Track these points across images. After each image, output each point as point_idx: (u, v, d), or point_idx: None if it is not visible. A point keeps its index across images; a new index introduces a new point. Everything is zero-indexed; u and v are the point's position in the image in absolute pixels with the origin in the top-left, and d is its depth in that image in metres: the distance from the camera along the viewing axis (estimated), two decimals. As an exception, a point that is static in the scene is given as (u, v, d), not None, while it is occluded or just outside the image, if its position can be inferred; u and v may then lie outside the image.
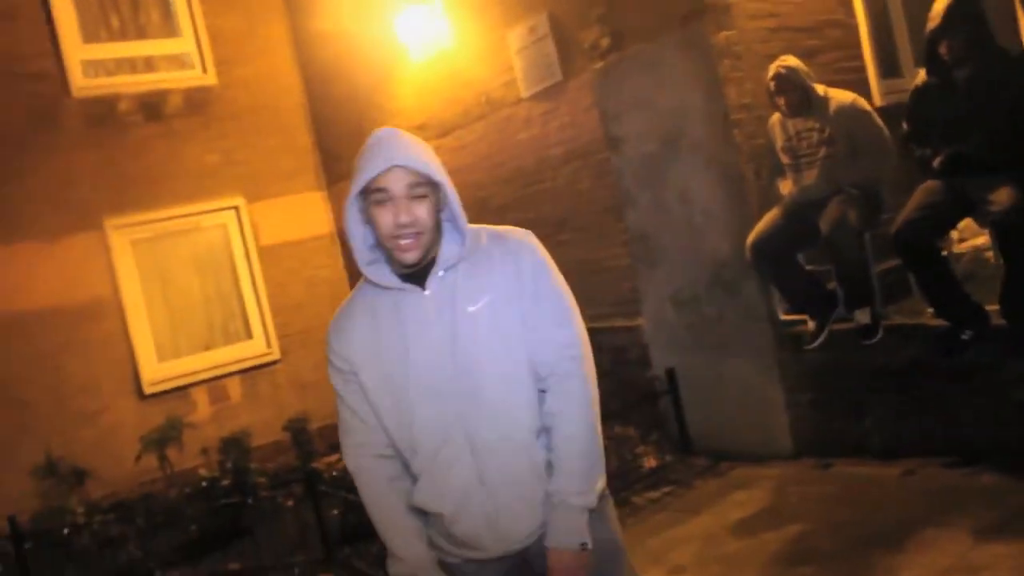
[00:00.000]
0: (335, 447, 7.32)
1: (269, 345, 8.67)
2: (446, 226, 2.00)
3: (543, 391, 2.03)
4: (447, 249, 1.98)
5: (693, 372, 5.36)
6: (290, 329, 8.75)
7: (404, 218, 1.87)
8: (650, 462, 5.36)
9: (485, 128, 6.88)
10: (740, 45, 5.17)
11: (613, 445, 5.30)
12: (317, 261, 9.08)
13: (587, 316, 6.63)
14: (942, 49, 3.95)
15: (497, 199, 6.92)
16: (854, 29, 5.96)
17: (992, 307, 4.10)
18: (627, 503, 4.93)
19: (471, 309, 1.95)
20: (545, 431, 2.03)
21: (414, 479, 2.03)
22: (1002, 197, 3.76)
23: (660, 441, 5.56)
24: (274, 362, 8.67)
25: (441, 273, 1.97)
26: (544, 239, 6.97)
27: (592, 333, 6.63)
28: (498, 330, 1.96)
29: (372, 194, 1.88)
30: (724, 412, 5.27)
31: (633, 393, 5.62)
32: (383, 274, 1.97)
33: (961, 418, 4.31)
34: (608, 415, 5.33)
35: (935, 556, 3.45)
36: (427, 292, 1.97)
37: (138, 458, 6.96)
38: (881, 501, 4.14)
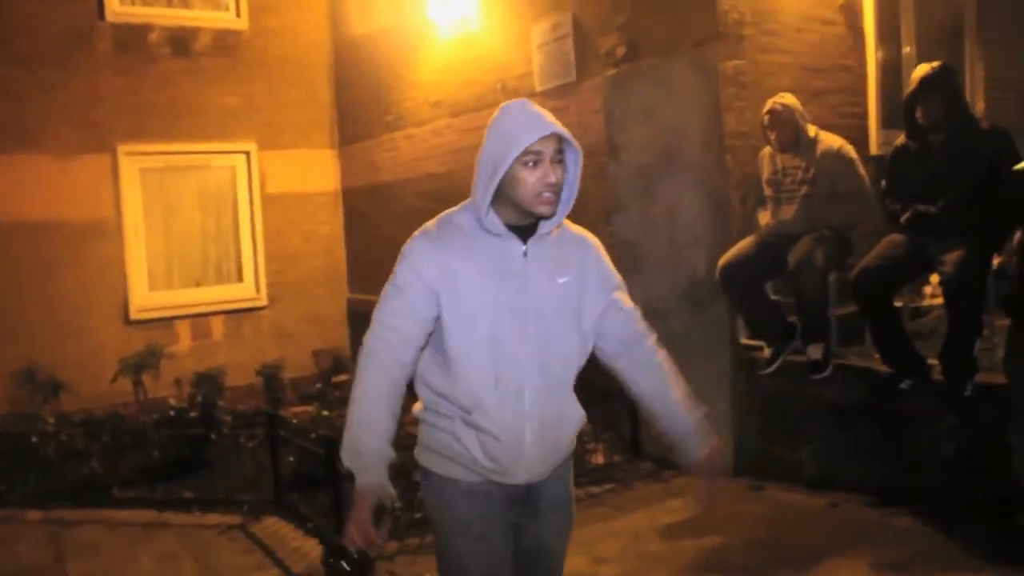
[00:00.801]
0: (304, 398, 7.55)
1: (258, 290, 8.89)
2: None
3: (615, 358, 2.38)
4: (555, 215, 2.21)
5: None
6: (281, 278, 8.98)
7: (552, 178, 2.09)
8: (598, 459, 5.56)
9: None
10: (747, 75, 5.35)
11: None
12: (319, 216, 9.28)
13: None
14: (918, 114, 4.15)
15: (498, 185, 7.11)
16: (862, 77, 6.14)
17: (935, 362, 4.31)
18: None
19: (561, 280, 2.21)
20: (638, 386, 2.40)
21: (476, 403, 2.15)
22: (955, 259, 3.97)
23: (612, 441, 5.75)
24: (261, 307, 8.89)
25: (541, 236, 2.19)
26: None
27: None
28: (575, 301, 2.24)
29: (524, 156, 2.08)
30: (675, 423, 5.46)
31: (593, 391, 5.80)
32: (496, 222, 2.16)
33: (890, 461, 4.52)
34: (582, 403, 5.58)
35: (833, 583, 3.68)
36: (525, 248, 2.18)
37: (114, 379, 7.18)
38: (800, 527, 4.36)
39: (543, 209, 2.11)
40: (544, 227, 2.19)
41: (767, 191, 4.94)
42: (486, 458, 2.18)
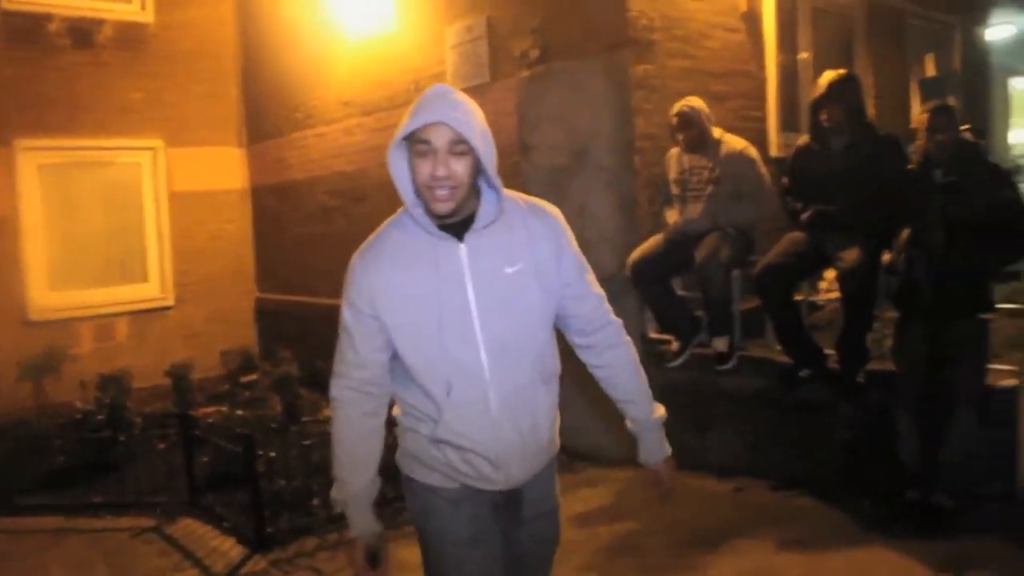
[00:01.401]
0: (214, 398, 7.42)
1: (164, 290, 8.73)
2: (484, 187, 2.09)
3: (582, 345, 2.37)
4: (485, 209, 2.07)
5: (563, 375, 5.68)
6: (188, 278, 8.83)
7: (441, 171, 1.96)
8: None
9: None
10: (656, 79, 5.56)
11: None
12: (226, 215, 9.16)
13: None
14: (823, 117, 4.39)
15: (410, 184, 7.15)
16: (763, 82, 6.44)
17: (831, 352, 4.59)
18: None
19: (509, 270, 2.09)
20: (602, 371, 2.41)
21: (438, 414, 2.11)
22: (850, 256, 4.23)
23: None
24: (166, 308, 8.74)
25: (479, 230, 2.07)
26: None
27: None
28: (531, 291, 2.12)
29: (416, 144, 1.98)
30: (587, 416, 5.60)
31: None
32: (426, 220, 2.06)
33: (791, 447, 4.78)
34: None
35: (741, 559, 3.89)
36: (463, 245, 2.07)
37: (14, 383, 6.96)
38: (709, 511, 4.57)
39: (437, 206, 2.00)
40: (481, 219, 2.07)
41: (674, 190, 5.15)
42: (463, 463, 2.14)
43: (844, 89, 4.34)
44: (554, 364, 2.26)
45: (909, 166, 4.19)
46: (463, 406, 2.09)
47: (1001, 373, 4.37)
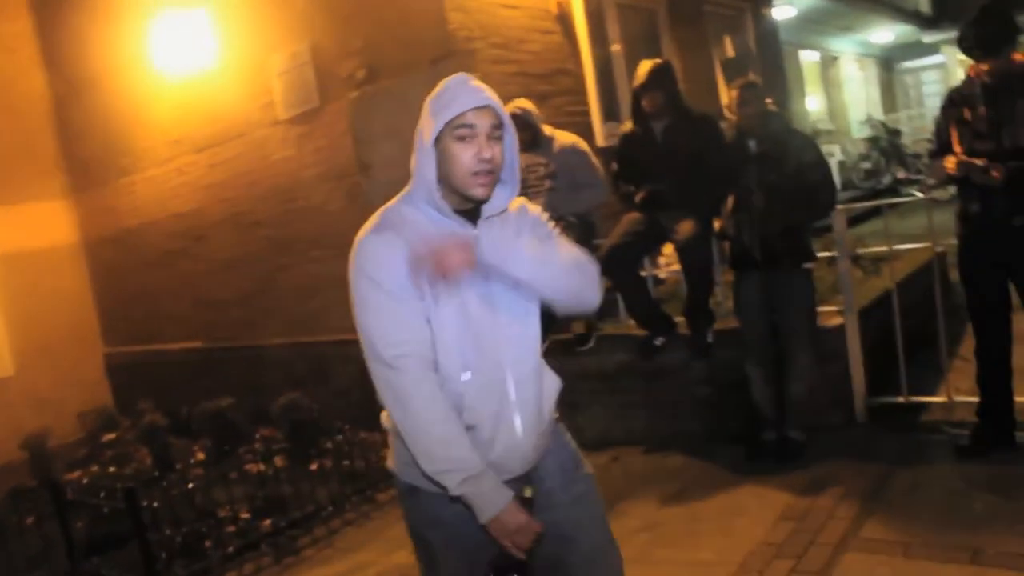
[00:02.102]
0: (76, 463, 7.14)
1: (1, 359, 8.28)
2: None
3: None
4: (496, 198, 2.08)
5: (436, 378, 5.86)
6: (27, 343, 8.43)
7: (487, 154, 1.96)
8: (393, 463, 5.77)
9: (243, 146, 7.08)
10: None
11: (359, 449, 5.70)
12: (59, 272, 8.81)
13: (337, 328, 6.99)
14: (645, 103, 4.74)
15: (252, 215, 7.13)
16: (582, 78, 6.80)
17: (680, 319, 4.96)
18: (372, 500, 5.32)
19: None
20: None
21: (460, 402, 2.04)
22: (684, 228, 4.60)
23: (406, 443, 5.99)
24: (6, 377, 8.29)
25: (488, 218, 2.08)
26: (298, 255, 7.35)
27: (340, 344, 7.02)
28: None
29: (456, 129, 1.97)
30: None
31: (378, 400, 6.02)
32: (445, 205, 2.03)
33: (656, 411, 5.12)
34: (355, 421, 5.74)
35: (628, 520, 4.16)
36: (476, 232, 2.05)
37: None
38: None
39: (478, 191, 1.99)
40: (490, 208, 2.08)
41: (517, 189, 5.38)
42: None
43: (662, 76, 4.70)
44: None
45: (725, 140, 4.59)
46: (483, 390, 2.05)
47: (829, 314, 4.86)
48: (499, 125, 2.01)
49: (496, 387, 2.06)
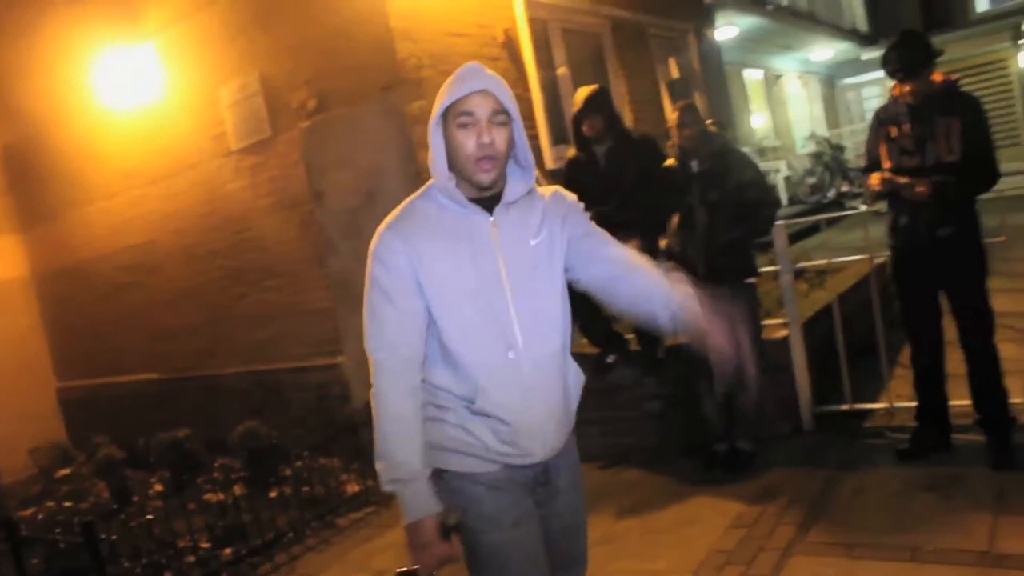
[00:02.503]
0: (29, 501, 7.06)
1: (-48, 398, 8.17)
2: (511, 164, 2.17)
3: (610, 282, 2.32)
4: (513, 184, 2.15)
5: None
6: (-22, 382, 8.33)
7: (486, 139, 2.01)
8: (353, 488, 5.80)
9: (195, 177, 7.10)
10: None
11: (318, 475, 5.73)
12: (10, 307, 8.72)
13: (292, 355, 7.04)
14: (585, 128, 4.88)
15: (206, 245, 7.15)
16: (529, 102, 6.94)
17: (631, 336, 5.08)
18: (333, 525, 5.34)
19: (533, 242, 2.15)
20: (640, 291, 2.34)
21: (475, 388, 2.09)
22: (631, 247, 4.73)
23: (362, 468, 6.01)
24: (-43, 420, 8.19)
25: (507, 204, 2.13)
26: (251, 284, 7.36)
27: (297, 372, 7.09)
28: (552, 262, 2.18)
29: (457, 117, 2.03)
30: (422, 437, 5.86)
31: (336, 426, 6.07)
32: (458, 194, 2.09)
33: (611, 428, 5.23)
34: (313, 447, 5.78)
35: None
36: (492, 218, 2.11)
37: None
38: (549, 501, 4.93)
39: (482, 176, 2.04)
40: (510, 194, 2.14)
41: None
42: (500, 443, 2.12)
43: (599, 101, 4.84)
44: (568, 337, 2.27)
45: (668, 160, 4.74)
46: (498, 374, 2.10)
47: (774, 327, 5.01)
48: (500, 111, 2.06)
49: (513, 372, 2.10)
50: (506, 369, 2.10)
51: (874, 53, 18.05)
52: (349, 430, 6.08)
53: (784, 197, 12.69)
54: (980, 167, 3.89)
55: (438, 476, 2.15)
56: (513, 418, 2.11)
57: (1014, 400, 4.24)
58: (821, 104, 18.92)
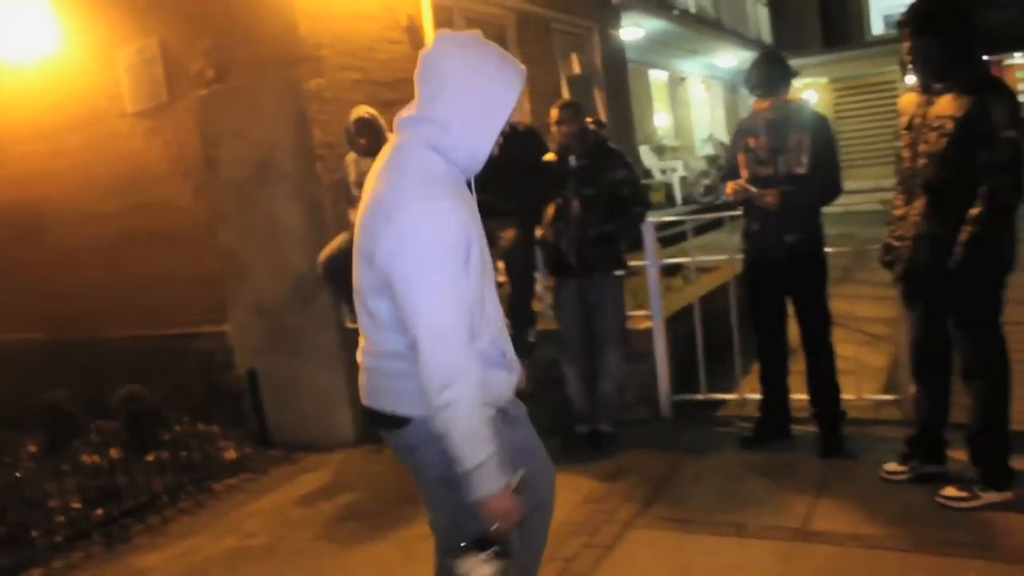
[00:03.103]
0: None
1: None
2: None
3: None
4: None
5: (273, 374, 6.05)
6: None
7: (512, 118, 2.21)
8: (231, 454, 5.89)
9: (88, 138, 7.02)
10: (329, 92, 6.00)
11: (197, 441, 5.81)
12: None
13: (180, 322, 7.03)
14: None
15: (97, 207, 7.07)
16: (428, 88, 7.08)
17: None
18: (208, 490, 5.44)
19: None
20: None
21: (488, 335, 2.22)
22: (508, 235, 4.98)
23: (241, 436, 6.12)
24: None
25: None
26: (142, 248, 7.32)
27: (183, 338, 7.12)
28: None
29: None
30: (299, 409, 6.01)
31: (218, 393, 6.15)
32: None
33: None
34: (194, 413, 5.85)
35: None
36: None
37: None
38: (418, 473, 5.14)
39: (495, 148, 2.25)
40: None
41: (355, 192, 5.63)
42: (505, 383, 2.30)
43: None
44: None
45: (549, 154, 4.98)
46: (495, 323, 2.27)
47: (640, 319, 5.33)
48: None
49: (498, 318, 2.33)
50: (497, 316, 2.32)
51: (775, 63, 18.76)
52: (231, 397, 6.17)
53: (679, 196, 13.14)
54: (825, 181, 4.26)
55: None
56: (512, 359, 2.34)
57: (848, 396, 4.66)
58: (723, 108, 19.56)
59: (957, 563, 3.30)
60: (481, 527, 2.14)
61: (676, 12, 13.79)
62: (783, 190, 4.21)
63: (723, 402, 5.33)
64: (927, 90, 3.61)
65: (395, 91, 6.60)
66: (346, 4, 6.25)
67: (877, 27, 23.10)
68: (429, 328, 2.06)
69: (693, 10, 15.08)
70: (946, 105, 3.49)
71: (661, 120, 15.76)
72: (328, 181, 5.84)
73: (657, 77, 15.72)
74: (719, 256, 5.63)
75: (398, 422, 2.28)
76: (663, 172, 13.64)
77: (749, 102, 16.64)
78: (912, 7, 3.59)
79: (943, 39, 3.48)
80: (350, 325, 5.83)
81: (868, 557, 3.43)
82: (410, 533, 4.25)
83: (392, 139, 2.30)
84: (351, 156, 5.67)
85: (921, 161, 3.59)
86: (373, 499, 4.87)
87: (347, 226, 5.64)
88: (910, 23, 3.55)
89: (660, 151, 14.36)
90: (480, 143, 2.22)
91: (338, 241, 5.52)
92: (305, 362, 5.90)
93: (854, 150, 18.25)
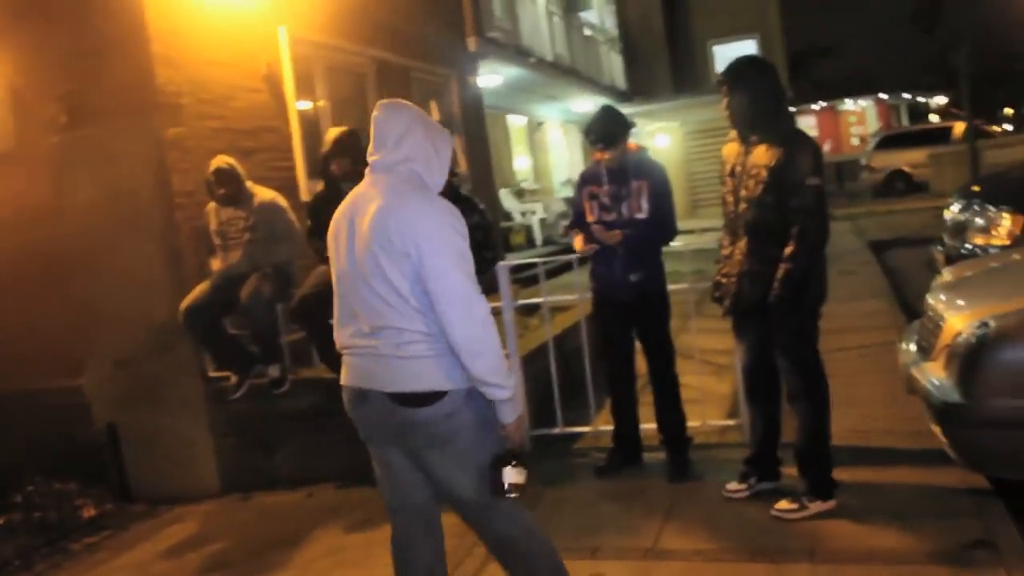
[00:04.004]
0: None
1: None
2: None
3: None
4: None
5: (134, 426, 5.93)
6: None
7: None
8: (89, 512, 5.74)
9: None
10: (188, 140, 6.00)
11: (53, 500, 5.64)
12: None
13: (32, 376, 6.76)
14: (333, 167, 5.23)
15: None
16: (288, 136, 7.18)
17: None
18: (66, 551, 5.28)
19: None
20: None
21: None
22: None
23: (102, 493, 5.97)
24: None
25: None
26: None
27: (35, 394, 6.88)
28: None
29: None
30: (162, 461, 5.91)
31: (76, 449, 5.99)
32: None
33: (348, 448, 5.48)
34: (48, 471, 5.68)
35: (314, 547, 4.61)
36: None
37: None
38: (284, 518, 5.18)
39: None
40: None
41: (216, 240, 5.67)
42: None
43: (347, 143, 5.21)
44: None
45: None
46: None
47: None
48: None
49: None
50: None
51: (630, 109, 19.65)
52: (89, 453, 6.01)
53: (539, 237, 13.58)
54: (663, 223, 4.62)
55: (467, 396, 2.78)
56: None
57: (694, 422, 5.00)
58: (581, 152, 20.30)
59: (788, 568, 3.62)
60: (501, 456, 2.81)
61: (533, 60, 14.31)
62: (625, 233, 4.54)
63: (579, 435, 5.58)
64: (745, 141, 4.01)
65: (256, 139, 6.66)
66: (203, 52, 6.28)
67: (721, 74, 24.42)
68: (463, 303, 2.70)
69: (550, 58, 15.67)
70: (760, 155, 3.91)
71: (521, 164, 16.25)
72: (188, 229, 5.84)
73: (516, 122, 16.23)
74: (571, 296, 5.91)
75: (436, 397, 2.74)
76: (523, 215, 14.06)
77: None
78: (728, 67, 4.02)
79: (753, 95, 3.91)
80: (212, 373, 5.81)
81: (712, 569, 3.71)
82: (278, 578, 4.32)
83: (371, 178, 2.93)
84: (211, 205, 5.70)
85: (743, 205, 3.98)
86: (240, 547, 4.86)
87: (208, 275, 5.66)
88: (727, 81, 3.95)
89: (520, 194, 14.80)
90: (440, 174, 2.93)
91: (199, 290, 5.52)
92: (167, 413, 5.83)
93: (705, 190, 19.27)
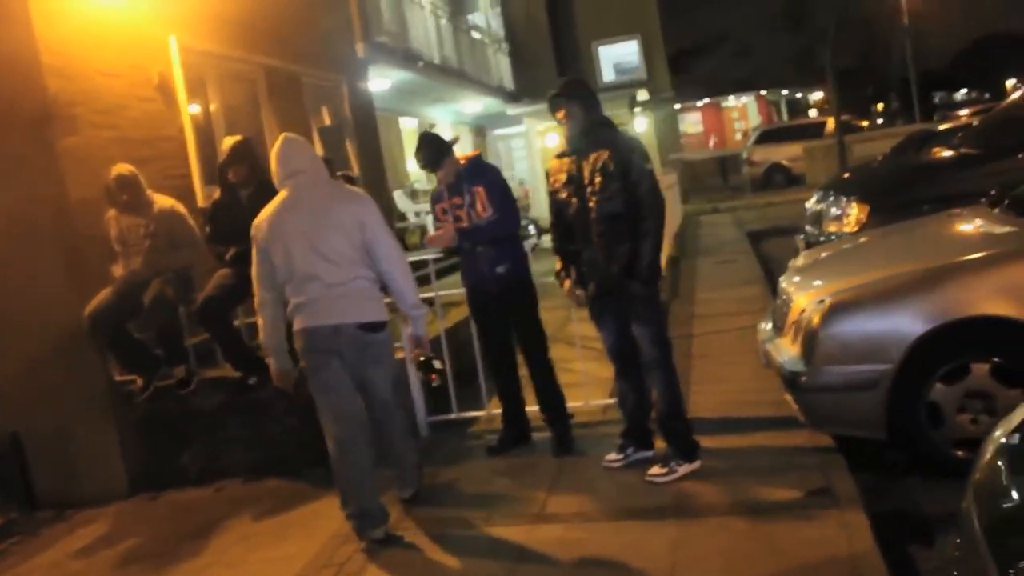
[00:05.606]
0: None
1: None
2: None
3: None
4: None
5: (38, 434, 6.02)
6: None
7: None
8: (-6, 521, 5.82)
9: None
10: (84, 150, 6.08)
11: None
12: None
13: None
14: (230, 175, 5.48)
15: None
16: (182, 143, 7.33)
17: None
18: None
19: None
20: None
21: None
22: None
23: (5, 502, 6.03)
24: None
25: None
26: None
27: None
28: None
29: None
30: (68, 466, 6.01)
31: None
32: None
33: (254, 443, 5.81)
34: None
35: (227, 535, 4.88)
36: None
37: None
38: (194, 513, 5.40)
39: None
40: None
41: (117, 247, 5.84)
42: None
43: (241, 151, 5.48)
44: None
45: None
46: None
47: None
48: None
49: None
50: None
51: (518, 109, 20.18)
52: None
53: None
54: (505, 218, 5.15)
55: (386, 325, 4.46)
56: None
57: (577, 403, 5.47)
58: (471, 151, 20.69)
59: (658, 524, 4.10)
60: (426, 359, 4.61)
61: (421, 64, 14.64)
62: (459, 228, 5.14)
63: (474, 419, 5.99)
64: (577, 150, 4.60)
65: (151, 148, 6.79)
66: (95, 63, 6.38)
67: (608, 74, 25.31)
68: (400, 262, 4.42)
69: (437, 61, 16.02)
70: (599, 157, 4.50)
71: (413, 165, 16.53)
72: (87, 237, 5.96)
73: (407, 124, 16.52)
74: (460, 290, 6.31)
75: (381, 326, 4.39)
76: (417, 215, 14.38)
77: (497, 144, 18.06)
78: (563, 84, 4.67)
79: (583, 106, 4.57)
80: (118, 377, 5.97)
81: (589, 528, 4.18)
82: (195, 565, 4.59)
83: (290, 189, 4.43)
84: (112, 213, 5.86)
85: (593, 201, 4.49)
86: (154, 541, 5.08)
87: (111, 281, 5.82)
88: (564, 95, 4.59)
89: (413, 195, 15.12)
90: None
91: (103, 296, 5.67)
92: (73, 419, 5.93)
93: (593, 187, 19.85)
